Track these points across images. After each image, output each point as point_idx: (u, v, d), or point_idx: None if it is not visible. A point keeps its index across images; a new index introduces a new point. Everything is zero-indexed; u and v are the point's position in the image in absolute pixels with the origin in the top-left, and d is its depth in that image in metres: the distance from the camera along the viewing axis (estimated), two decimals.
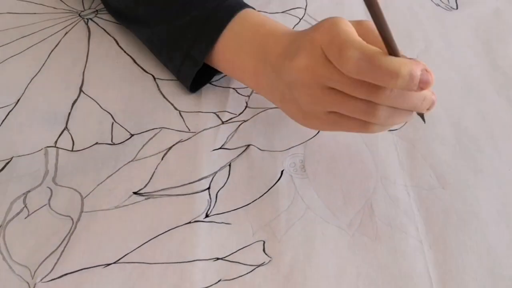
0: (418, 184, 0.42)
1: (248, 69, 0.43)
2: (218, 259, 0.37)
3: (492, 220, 0.39)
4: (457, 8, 0.58)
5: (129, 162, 0.43)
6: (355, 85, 0.34)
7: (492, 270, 0.36)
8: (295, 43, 0.38)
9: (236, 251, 0.38)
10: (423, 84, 0.32)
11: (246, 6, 0.45)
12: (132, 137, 0.45)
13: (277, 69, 0.39)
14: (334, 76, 0.34)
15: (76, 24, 0.57)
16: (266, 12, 0.57)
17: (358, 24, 0.36)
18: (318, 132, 0.45)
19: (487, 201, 0.40)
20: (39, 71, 0.51)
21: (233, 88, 0.49)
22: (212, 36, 0.44)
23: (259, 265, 0.37)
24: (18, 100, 0.48)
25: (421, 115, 0.39)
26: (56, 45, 0.54)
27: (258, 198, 0.41)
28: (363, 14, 0.57)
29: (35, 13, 0.58)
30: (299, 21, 0.57)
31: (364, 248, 0.38)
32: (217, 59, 0.45)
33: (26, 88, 0.50)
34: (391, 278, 0.36)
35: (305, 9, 0.58)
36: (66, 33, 0.55)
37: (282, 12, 0.58)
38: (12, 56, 0.53)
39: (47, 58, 0.53)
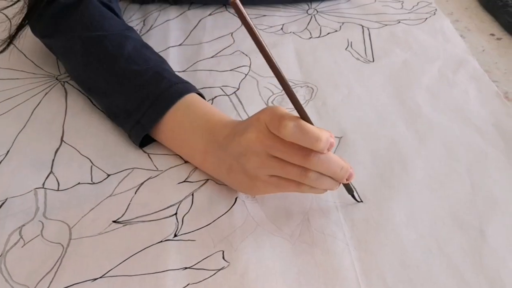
0: (344, 200, 0.51)
1: (198, 147, 0.52)
2: (186, 268, 0.45)
3: (402, 223, 0.48)
4: (373, 61, 0.69)
5: (107, 197, 0.51)
6: (292, 153, 0.43)
7: (403, 262, 0.45)
8: (241, 124, 0.48)
9: (201, 260, 0.46)
10: (330, 147, 0.43)
11: (195, 91, 0.55)
12: (109, 177, 0.53)
13: (225, 146, 0.49)
14: (277, 145, 0.44)
15: (54, 86, 0.65)
16: (218, 71, 0.67)
17: None
18: None
19: (398, 209, 0.49)
20: (24, 126, 0.59)
21: None
22: (162, 109, 0.53)
23: (220, 269, 0.45)
24: (8, 151, 0.56)
25: (352, 195, 0.50)
26: (38, 104, 0.62)
27: (217, 218, 0.49)
28: (297, 69, 0.67)
29: (17, 78, 0.67)
30: (245, 76, 0.66)
31: (303, 252, 0.46)
32: (165, 131, 0.54)
33: (14, 141, 0.57)
34: (325, 273, 0.44)
35: (250, 67, 0.68)
36: (46, 94, 0.64)
37: (231, 70, 0.67)
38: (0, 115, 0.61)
39: (31, 115, 0.61)
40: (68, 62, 0.63)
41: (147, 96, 0.54)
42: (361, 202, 0.50)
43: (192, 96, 0.54)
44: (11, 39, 0.64)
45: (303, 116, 0.43)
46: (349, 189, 0.50)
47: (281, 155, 0.44)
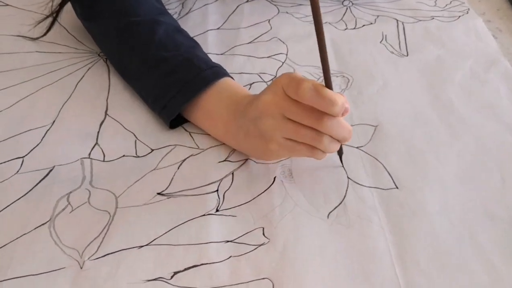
0: (379, 186, 0.52)
1: (221, 118, 0.54)
2: (228, 241, 0.47)
3: (435, 212, 0.50)
4: (407, 55, 0.70)
5: (152, 170, 0.53)
6: (306, 116, 0.45)
7: (436, 248, 0.47)
8: (260, 93, 0.49)
9: (242, 235, 0.48)
10: (345, 112, 0.44)
11: (223, 76, 0.56)
12: (153, 151, 0.55)
13: (244, 112, 0.50)
14: (292, 108, 0.45)
15: (96, 62, 0.67)
16: (255, 57, 0.69)
17: None
18: None
19: (432, 198, 0.51)
20: (68, 98, 0.61)
21: None
22: (189, 96, 0.54)
23: (260, 245, 0.47)
24: (54, 122, 0.58)
25: (340, 153, 0.53)
26: (81, 78, 0.64)
27: (257, 196, 0.51)
28: (332, 59, 0.69)
29: (60, 53, 0.68)
30: (282, 64, 0.68)
31: (340, 233, 0.48)
32: (199, 108, 0.55)
33: (59, 112, 0.59)
34: (361, 254, 0.46)
35: (287, 55, 0.70)
36: (89, 69, 0.66)
37: (268, 57, 0.69)
38: (44, 87, 0.63)
39: (75, 88, 0.63)
40: (104, 46, 0.65)
41: (174, 83, 0.55)
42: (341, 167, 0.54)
43: (221, 81, 0.56)
44: (54, 17, 0.66)
45: (328, 81, 0.45)
46: (341, 150, 0.53)
47: (296, 117, 0.46)
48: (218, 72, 0.56)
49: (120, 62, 0.62)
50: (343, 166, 0.53)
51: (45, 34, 0.68)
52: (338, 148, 0.49)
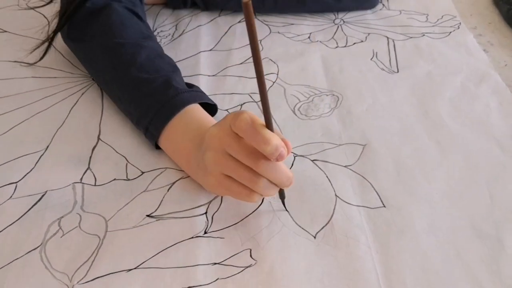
0: (367, 205, 0.53)
1: (185, 151, 0.54)
2: (215, 263, 0.48)
3: (423, 230, 0.50)
4: (398, 72, 0.71)
5: (142, 192, 0.54)
6: (245, 154, 0.45)
7: (423, 267, 0.47)
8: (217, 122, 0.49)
9: (229, 257, 0.48)
10: (279, 157, 0.43)
11: (200, 100, 0.57)
12: (143, 174, 0.56)
13: (200, 144, 0.50)
14: (233, 144, 0.45)
15: (90, 86, 0.68)
16: (246, 77, 0.70)
17: None
18: (291, 167, 0.57)
19: (419, 217, 0.51)
20: (62, 124, 0.62)
21: None
22: (166, 118, 0.55)
23: (247, 266, 0.47)
24: (47, 147, 0.59)
25: (282, 200, 0.52)
26: (75, 103, 0.65)
27: (245, 218, 0.51)
28: (323, 77, 0.70)
29: (55, 77, 0.70)
30: (273, 84, 0.69)
31: (327, 253, 0.48)
32: (166, 138, 0.56)
33: (53, 137, 0.60)
34: (347, 274, 0.47)
35: (277, 74, 0.71)
36: (83, 94, 0.67)
37: None
38: (39, 112, 0.64)
39: (69, 114, 0.64)
40: (89, 66, 0.67)
41: (153, 104, 0.56)
42: (285, 208, 0.53)
43: (195, 106, 0.56)
44: (49, 42, 0.68)
45: (267, 120, 0.44)
46: (282, 194, 0.52)
47: (236, 154, 0.45)
48: (195, 97, 0.57)
49: (104, 83, 0.64)
50: (286, 210, 0.52)
51: (40, 59, 0.69)
52: (275, 192, 0.48)
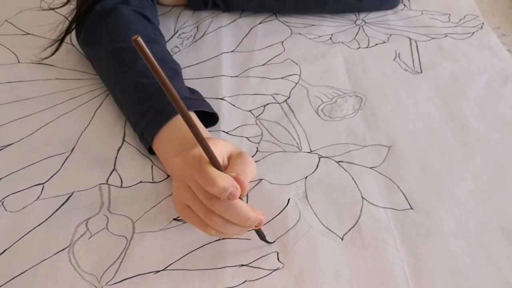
0: (394, 207, 0.52)
1: (169, 156, 0.52)
2: (243, 265, 0.48)
3: (451, 232, 0.50)
4: (421, 72, 0.70)
5: (168, 196, 0.54)
6: (200, 190, 0.43)
7: (453, 269, 0.47)
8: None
9: (256, 259, 0.48)
10: (230, 197, 0.41)
11: (196, 107, 0.56)
12: (169, 177, 0.56)
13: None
14: (191, 178, 0.43)
15: None
16: (269, 79, 0.70)
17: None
18: (316, 168, 0.57)
19: (447, 218, 0.51)
20: (87, 126, 0.63)
21: (246, 137, 0.61)
22: (159, 124, 0.54)
23: (275, 269, 0.47)
24: (73, 148, 0.60)
25: (262, 238, 0.49)
26: (100, 105, 0.66)
27: (271, 220, 0.51)
28: (345, 78, 0.70)
29: (79, 79, 0.70)
30: (295, 85, 0.69)
31: (355, 255, 0.48)
32: (156, 145, 0.55)
33: (78, 139, 0.61)
34: (376, 277, 0.46)
35: (300, 76, 0.71)
36: (107, 95, 0.67)
37: (281, 78, 0.70)
38: (64, 114, 0.65)
39: (93, 116, 0.64)
40: (97, 70, 0.68)
41: (147, 110, 0.55)
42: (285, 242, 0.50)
43: (177, 117, 0.54)
44: (61, 39, 0.69)
45: (211, 157, 0.42)
46: (260, 234, 0.49)
47: (192, 187, 0.44)
48: (191, 104, 0.56)
49: (108, 86, 0.65)
50: (270, 242, 0.50)
51: (52, 54, 0.70)
52: (237, 231, 0.46)
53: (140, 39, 0.32)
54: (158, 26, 0.73)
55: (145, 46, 0.33)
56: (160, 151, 0.56)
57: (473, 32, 0.78)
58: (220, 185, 0.40)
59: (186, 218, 0.47)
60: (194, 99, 0.58)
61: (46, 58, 0.72)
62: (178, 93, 0.55)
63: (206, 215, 0.44)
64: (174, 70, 0.62)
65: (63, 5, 0.74)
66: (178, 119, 0.54)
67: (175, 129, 0.53)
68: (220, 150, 0.45)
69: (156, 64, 0.34)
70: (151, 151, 0.58)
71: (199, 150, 0.42)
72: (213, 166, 0.42)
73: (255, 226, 0.46)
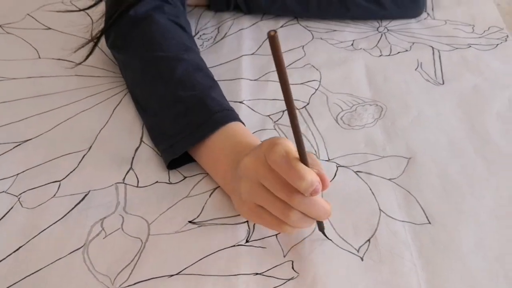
0: (412, 220, 0.52)
1: (221, 166, 0.53)
2: (257, 274, 0.47)
3: (470, 250, 0.49)
4: (443, 84, 0.69)
5: (184, 197, 0.54)
6: (278, 187, 0.43)
7: (470, 286, 0.46)
8: (249, 151, 0.47)
9: (271, 268, 0.48)
10: (314, 192, 0.42)
11: (233, 119, 0.56)
12: (185, 179, 0.56)
13: (237, 166, 0.48)
14: (268, 176, 0.44)
15: None
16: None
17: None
18: (334, 177, 0.56)
19: (466, 235, 0.50)
20: (105, 124, 0.63)
21: None
22: (196, 139, 0.54)
23: (289, 279, 0.47)
24: (91, 146, 0.60)
25: (322, 231, 0.50)
26: (118, 103, 0.66)
27: None
28: (366, 87, 0.69)
29: (98, 76, 0.70)
30: (315, 91, 0.68)
31: (370, 269, 0.48)
32: (204, 153, 0.55)
33: (96, 137, 0.61)
34: None
35: (320, 82, 0.70)
36: (125, 94, 0.67)
37: (301, 83, 0.69)
38: (83, 111, 0.65)
39: (112, 114, 0.64)
40: (127, 76, 0.67)
41: (186, 125, 0.55)
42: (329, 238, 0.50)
43: (229, 126, 0.55)
44: (95, 43, 0.68)
45: (302, 155, 0.42)
46: (321, 226, 0.50)
47: (269, 185, 0.44)
48: (228, 116, 0.56)
49: (141, 95, 0.63)
50: (328, 238, 0.50)
51: (85, 59, 0.69)
52: (310, 225, 0.47)
53: (277, 35, 0.32)
54: (192, 34, 0.72)
55: (279, 45, 0.33)
56: (206, 161, 0.55)
57: (497, 44, 0.77)
58: (309, 180, 0.41)
59: (257, 219, 0.48)
60: (233, 112, 0.57)
61: (80, 63, 0.71)
62: (221, 103, 0.56)
63: (283, 212, 0.44)
64: (212, 80, 0.62)
65: (93, 6, 0.73)
66: (228, 128, 0.54)
67: (228, 136, 0.54)
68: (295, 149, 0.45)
69: (284, 66, 0.36)
70: (169, 167, 0.57)
71: (283, 146, 0.42)
72: (302, 162, 0.42)
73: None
